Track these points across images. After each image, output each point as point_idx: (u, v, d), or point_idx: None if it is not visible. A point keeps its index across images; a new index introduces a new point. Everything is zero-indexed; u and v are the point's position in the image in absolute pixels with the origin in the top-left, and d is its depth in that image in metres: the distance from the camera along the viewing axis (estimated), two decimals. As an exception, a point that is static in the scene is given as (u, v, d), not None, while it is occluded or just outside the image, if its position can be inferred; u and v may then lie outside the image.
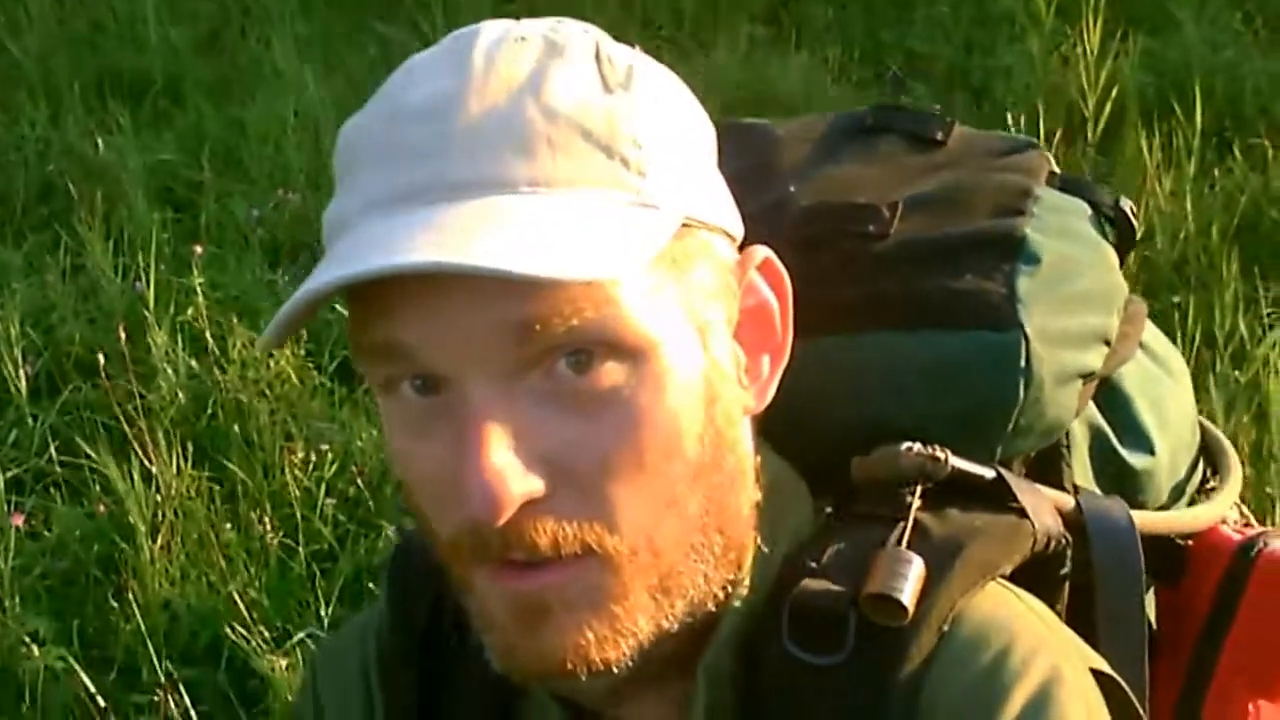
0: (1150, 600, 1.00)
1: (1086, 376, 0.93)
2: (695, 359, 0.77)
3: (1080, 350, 0.92)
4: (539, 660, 0.76)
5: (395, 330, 0.72)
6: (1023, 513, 0.85)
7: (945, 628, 0.79)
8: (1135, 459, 0.99)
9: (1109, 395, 0.99)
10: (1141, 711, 0.85)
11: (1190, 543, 1.01)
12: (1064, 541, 0.87)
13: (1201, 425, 1.11)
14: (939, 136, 1.00)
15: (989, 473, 0.87)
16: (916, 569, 0.78)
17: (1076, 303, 0.91)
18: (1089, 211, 0.99)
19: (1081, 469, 0.96)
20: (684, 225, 0.76)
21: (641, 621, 0.77)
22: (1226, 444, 1.11)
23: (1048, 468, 0.94)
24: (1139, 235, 1.02)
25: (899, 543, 0.80)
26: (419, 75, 0.76)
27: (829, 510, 0.86)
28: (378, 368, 0.75)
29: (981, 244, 0.90)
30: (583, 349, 0.73)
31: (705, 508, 0.78)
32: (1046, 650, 0.79)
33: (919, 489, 0.84)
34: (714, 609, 0.80)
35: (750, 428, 0.83)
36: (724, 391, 0.79)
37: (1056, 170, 1.00)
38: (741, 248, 0.84)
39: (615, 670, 0.77)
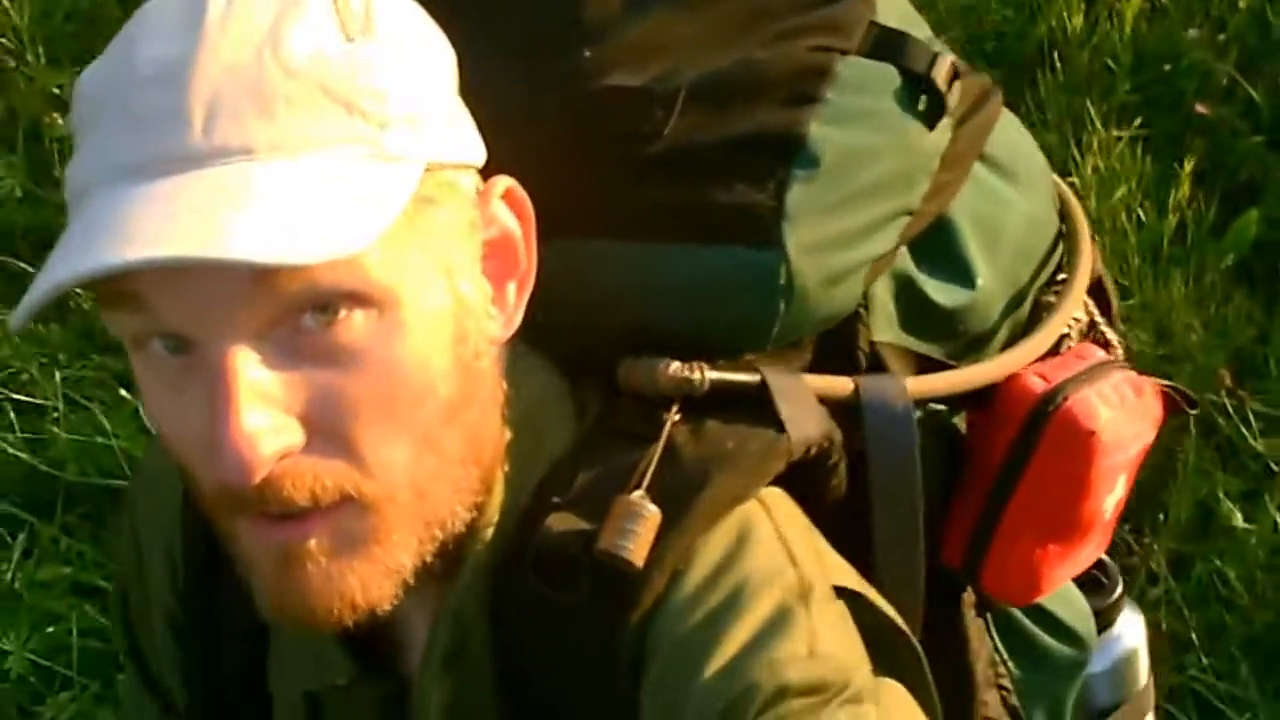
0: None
1: (878, 259, 0.94)
2: (441, 301, 0.78)
3: (863, 241, 0.92)
4: (305, 608, 0.78)
5: (141, 290, 0.72)
6: (781, 426, 0.87)
7: (680, 567, 0.82)
8: (949, 297, 0.99)
9: (930, 230, 0.98)
10: (902, 626, 0.88)
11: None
12: (828, 443, 0.90)
13: (1065, 206, 1.10)
14: None
15: (753, 378, 0.89)
16: (649, 521, 0.81)
17: (862, 197, 0.91)
18: (897, 82, 0.94)
19: (885, 322, 0.97)
20: (427, 170, 0.77)
21: (404, 559, 0.80)
22: (1081, 226, 1.10)
23: (842, 328, 0.95)
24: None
25: (639, 484, 0.83)
26: (155, 26, 0.74)
27: (591, 421, 0.88)
28: (125, 323, 0.75)
29: (757, 146, 0.89)
30: (327, 302, 0.73)
31: (461, 443, 0.81)
32: (779, 582, 0.82)
33: (676, 407, 0.87)
34: (464, 531, 0.83)
35: (500, 352, 0.85)
36: (472, 328, 0.81)
37: (875, 20, 0.96)
38: (530, 124, 0.88)
39: (381, 610, 0.79)
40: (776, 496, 0.88)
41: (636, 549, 0.80)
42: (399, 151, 0.75)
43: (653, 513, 0.81)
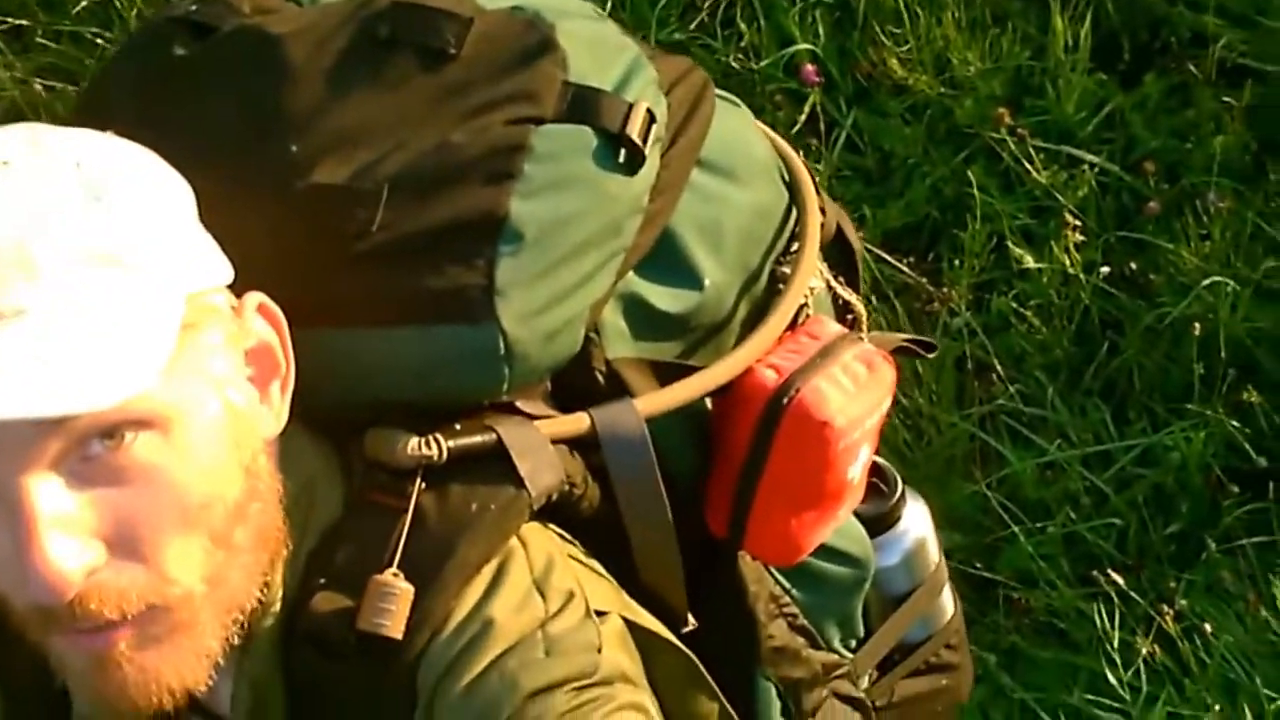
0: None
1: (596, 302, 0.99)
2: (216, 413, 0.85)
3: (578, 292, 0.97)
4: (125, 700, 0.86)
5: None
6: (521, 482, 0.94)
7: (436, 625, 0.90)
8: (677, 302, 1.04)
9: (653, 244, 1.03)
10: (666, 636, 0.99)
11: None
12: (568, 487, 0.97)
13: (792, 176, 1.15)
14: (450, 48, 0.98)
15: (489, 438, 0.94)
16: (402, 597, 0.89)
17: (570, 258, 0.96)
18: (593, 142, 0.97)
19: (618, 339, 1.02)
20: (193, 296, 0.85)
21: (210, 643, 0.87)
22: (808, 195, 1.14)
23: (578, 355, 1.00)
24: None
25: (391, 560, 0.90)
26: None
27: (354, 490, 0.95)
28: None
29: (462, 230, 0.93)
30: (112, 430, 0.80)
31: (250, 535, 0.88)
32: (526, 614, 0.91)
33: (419, 477, 0.93)
34: (256, 607, 0.91)
35: (273, 443, 0.92)
36: (246, 432, 0.88)
37: (569, 80, 0.98)
38: (246, 211, 0.93)
39: (198, 690, 0.88)
40: (534, 531, 0.96)
41: (393, 624, 0.89)
42: (161, 291, 0.82)
43: (404, 589, 0.89)
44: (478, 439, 0.94)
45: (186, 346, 0.83)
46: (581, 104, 0.98)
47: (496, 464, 0.94)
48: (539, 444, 0.96)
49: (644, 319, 1.03)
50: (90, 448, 0.80)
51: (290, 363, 0.92)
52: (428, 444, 0.92)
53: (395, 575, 0.89)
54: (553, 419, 0.98)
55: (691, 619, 1.07)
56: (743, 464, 1.07)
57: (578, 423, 0.99)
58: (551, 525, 0.98)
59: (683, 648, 1.00)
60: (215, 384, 0.86)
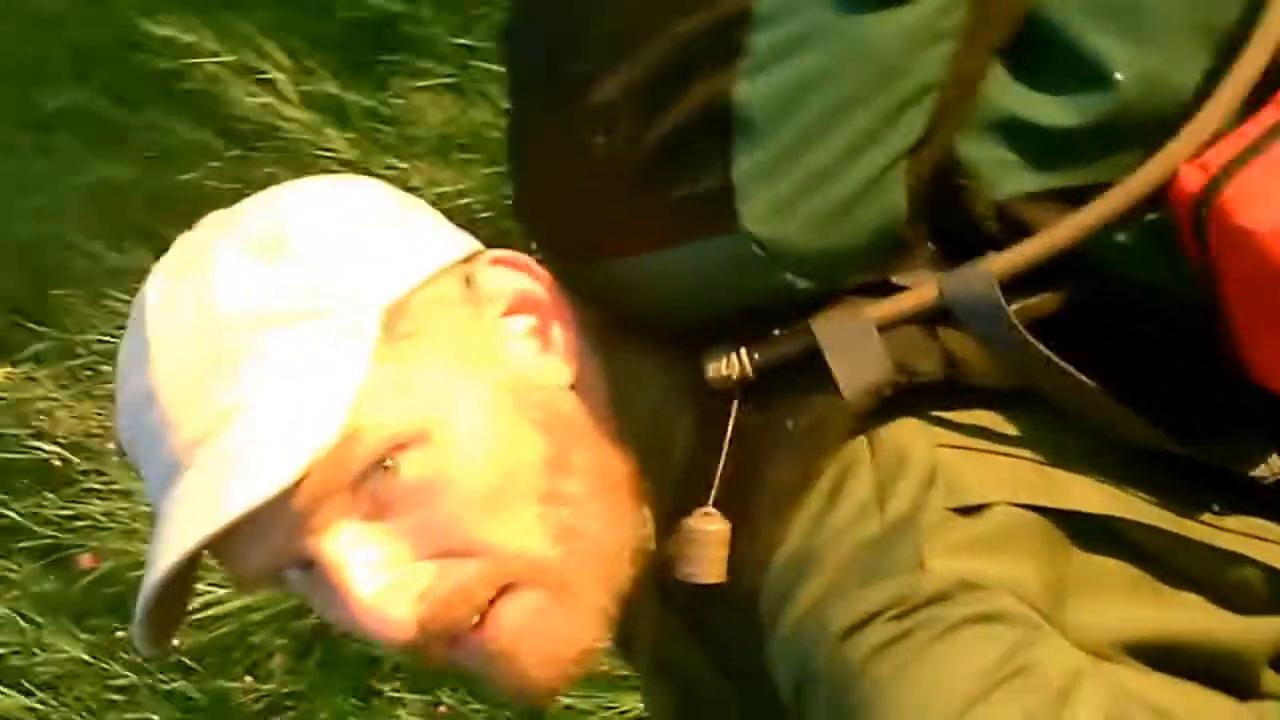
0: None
1: (907, 152, 0.83)
2: (476, 395, 0.85)
3: (864, 156, 0.83)
4: (542, 683, 0.86)
5: (234, 558, 0.84)
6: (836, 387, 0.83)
7: (768, 552, 0.81)
8: (1076, 114, 0.84)
9: (1025, 47, 0.85)
10: (1116, 515, 0.82)
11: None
12: (903, 378, 0.83)
13: None
14: None
15: (801, 343, 0.84)
16: (715, 537, 0.83)
17: (828, 125, 0.82)
18: None
19: (1010, 174, 0.85)
20: (397, 305, 0.84)
21: (596, 598, 0.85)
22: None
23: (953, 208, 0.85)
24: None
25: (708, 497, 0.83)
26: (125, 361, 0.85)
27: (699, 418, 0.87)
28: (255, 581, 0.86)
29: (695, 132, 0.84)
30: (374, 467, 0.81)
31: (585, 481, 0.86)
32: (853, 533, 0.80)
33: (734, 399, 0.84)
34: (643, 554, 0.87)
35: (593, 379, 0.88)
36: (525, 393, 0.86)
37: None
38: (546, 147, 0.89)
39: (604, 645, 0.87)
40: (893, 429, 0.83)
41: (705, 570, 0.83)
42: (353, 318, 0.82)
43: (715, 530, 0.83)
44: (791, 345, 0.84)
45: (409, 354, 0.83)
46: None
47: (814, 369, 0.83)
48: (861, 336, 0.83)
49: (1038, 143, 0.85)
50: (368, 487, 0.82)
51: (558, 298, 0.88)
52: (729, 362, 0.84)
53: (707, 515, 0.83)
54: (895, 297, 0.84)
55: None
56: (1203, 290, 0.85)
57: (922, 296, 0.84)
58: (940, 413, 0.84)
59: (1160, 521, 0.83)
60: (462, 369, 0.85)
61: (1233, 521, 0.86)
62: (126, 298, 0.89)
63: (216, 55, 2.68)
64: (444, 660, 0.86)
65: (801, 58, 0.82)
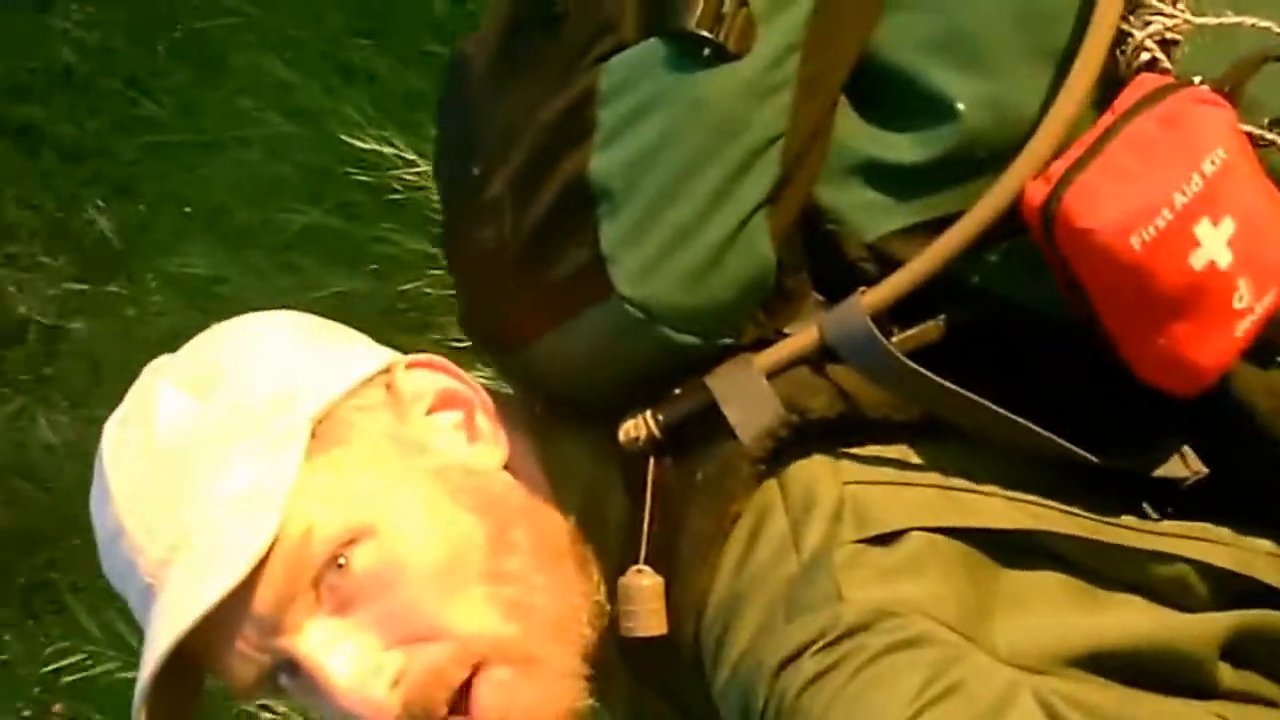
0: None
1: (764, 202, 0.86)
2: (413, 488, 0.91)
3: (720, 212, 0.86)
4: None
5: (232, 680, 0.92)
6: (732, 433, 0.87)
7: (700, 600, 0.86)
8: (928, 147, 0.87)
9: (869, 91, 0.88)
10: (1022, 528, 0.84)
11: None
12: (795, 417, 0.86)
13: None
14: (558, 7, 0.90)
15: (701, 397, 0.88)
16: (650, 590, 0.88)
17: (679, 185, 0.86)
18: (662, 52, 0.86)
19: (878, 214, 0.88)
20: (323, 415, 0.91)
21: (568, 663, 0.91)
22: None
23: (828, 253, 0.89)
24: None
25: (637, 555, 0.89)
26: (95, 510, 0.94)
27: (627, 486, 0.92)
28: (247, 691, 0.93)
29: (563, 209, 0.88)
30: (328, 564, 0.88)
31: (527, 557, 0.91)
32: (777, 573, 0.84)
33: (649, 459, 0.89)
34: (599, 617, 0.92)
35: (525, 461, 0.94)
36: (459, 478, 0.92)
37: None
38: (462, 247, 0.96)
39: (597, 700, 0.92)
40: (799, 468, 0.86)
41: (644, 623, 0.88)
42: (278, 435, 0.89)
43: (649, 584, 0.88)
44: (690, 402, 0.89)
45: (342, 459, 0.90)
46: (655, 10, 0.86)
47: (716, 421, 0.88)
48: (750, 384, 0.87)
49: (896, 181, 0.88)
50: (326, 584, 0.88)
51: (476, 389, 0.95)
52: (638, 425, 0.89)
53: (640, 571, 0.88)
54: (779, 344, 0.88)
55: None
56: (1074, 300, 0.88)
57: (804, 338, 0.88)
58: (847, 450, 0.87)
59: (1091, 532, 0.85)
60: (396, 467, 0.91)
61: (1166, 525, 0.88)
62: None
63: (415, 165, 2.72)
64: None
65: (646, 124, 0.86)
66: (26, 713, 5.52)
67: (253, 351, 0.93)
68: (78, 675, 4.49)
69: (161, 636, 0.86)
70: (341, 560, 0.88)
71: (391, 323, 3.10)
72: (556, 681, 0.90)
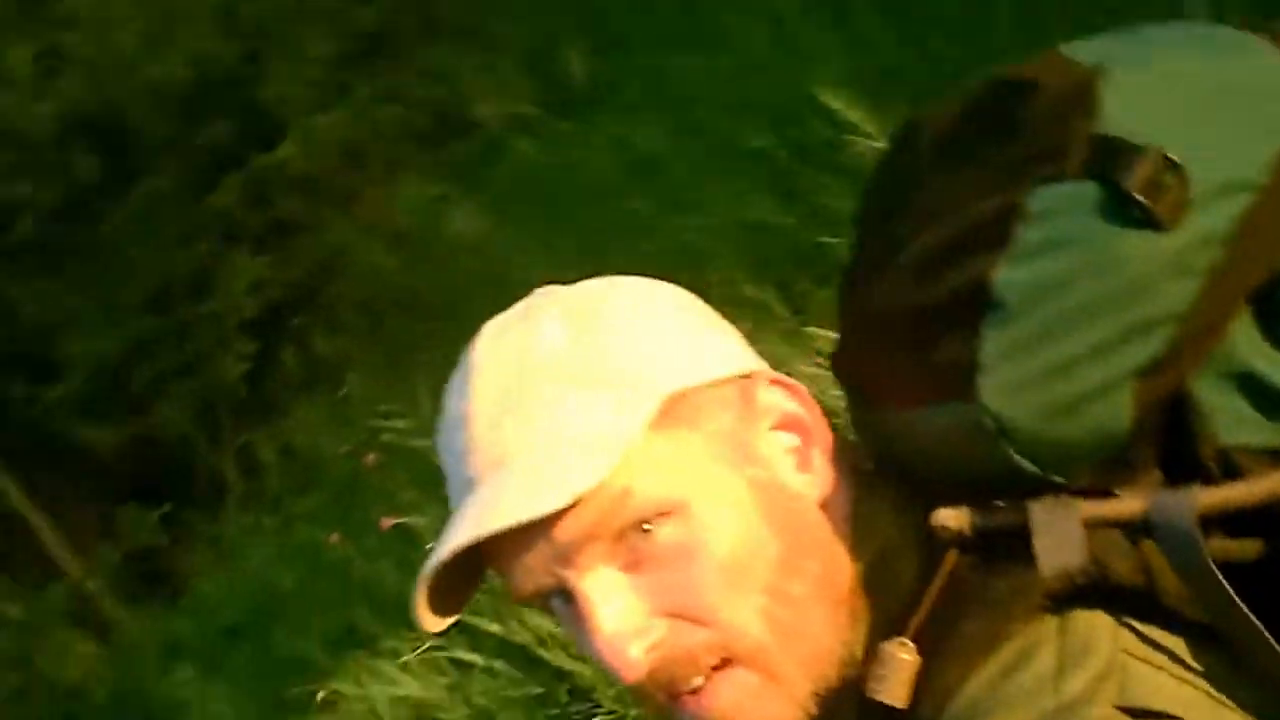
0: None
1: (1138, 371, 0.89)
2: (733, 487, 0.96)
3: (1092, 364, 0.89)
4: None
5: (519, 590, 0.98)
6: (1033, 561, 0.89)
7: (944, 699, 0.90)
8: None
9: (1275, 308, 0.91)
10: None
11: None
12: (1098, 571, 0.89)
13: None
14: (1009, 117, 0.95)
15: (1017, 516, 0.91)
16: (906, 665, 0.92)
17: (1070, 325, 0.89)
18: (1097, 197, 0.89)
19: (1240, 424, 0.91)
20: (678, 395, 0.96)
21: (802, 692, 0.95)
22: None
23: (1183, 440, 0.91)
24: (1165, 204, 0.88)
25: (903, 630, 0.93)
26: (449, 393, 1.00)
27: (922, 563, 0.96)
28: (528, 598, 0.99)
29: (955, 304, 0.92)
30: (636, 524, 0.94)
31: (810, 586, 0.96)
32: (1030, 702, 0.86)
33: (951, 550, 0.93)
34: (847, 657, 0.96)
35: (838, 505, 0.99)
36: (777, 496, 0.97)
37: (1099, 133, 0.90)
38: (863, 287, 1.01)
39: None
40: (1082, 619, 0.90)
41: (891, 692, 0.92)
42: (636, 397, 0.95)
43: (907, 660, 0.92)
44: (1007, 517, 0.92)
45: (681, 440, 0.95)
46: (1105, 158, 0.90)
47: (1020, 543, 0.91)
48: (1067, 524, 0.90)
49: (1271, 401, 0.91)
50: (628, 542, 0.94)
51: (822, 428, 1.00)
52: (954, 519, 0.93)
53: (902, 644, 0.92)
54: (1104, 501, 0.91)
55: None
56: None
57: (1129, 506, 0.90)
58: (1132, 621, 0.90)
59: None
60: (725, 463, 0.96)
61: None
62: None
63: (871, 138, 2.83)
64: (663, 712, 0.97)
65: (1060, 257, 0.89)
66: (346, 447, 6.05)
67: (635, 312, 0.99)
68: (394, 437, 4.96)
69: (467, 528, 0.93)
70: (648, 526, 0.93)
71: (799, 267, 3.22)
72: (789, 705, 0.95)
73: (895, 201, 1.00)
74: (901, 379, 0.97)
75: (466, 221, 6.66)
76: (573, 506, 0.91)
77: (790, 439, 0.99)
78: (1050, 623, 0.90)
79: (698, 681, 0.94)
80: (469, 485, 0.96)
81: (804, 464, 0.99)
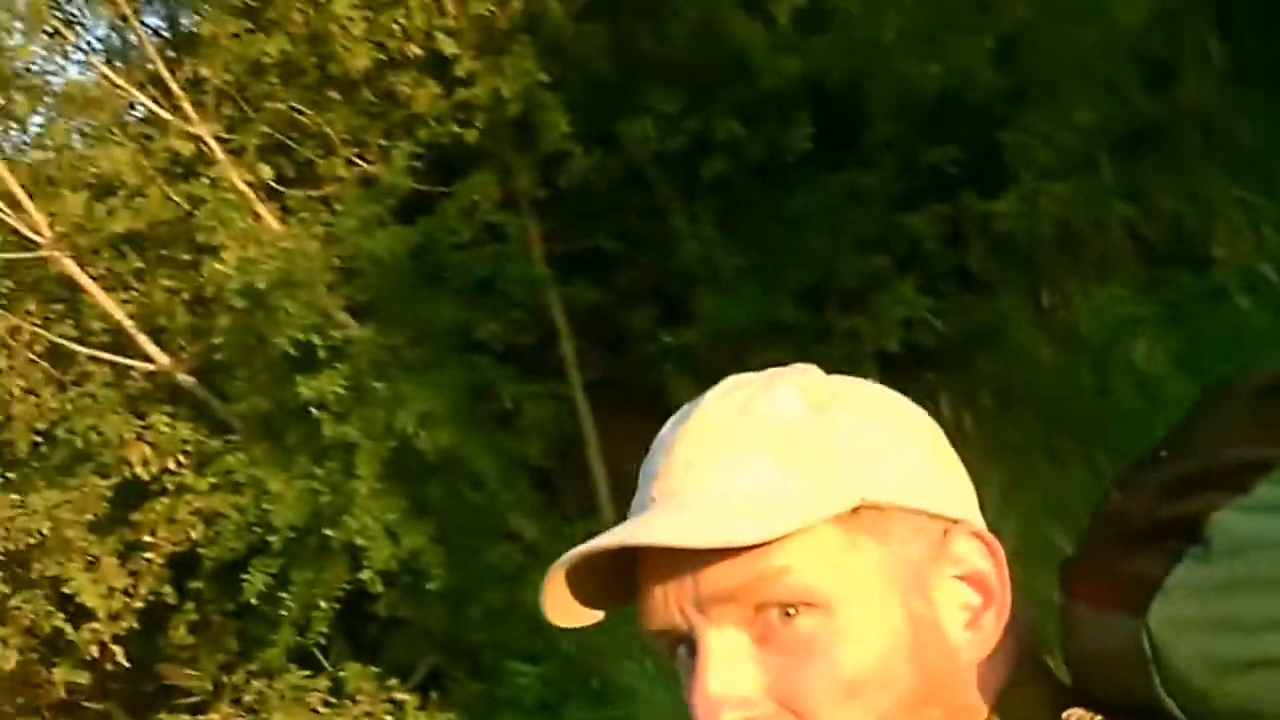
0: None
1: None
2: (891, 614, 0.97)
3: (1268, 634, 0.89)
4: None
5: (650, 621, 1.01)
6: None
7: None
8: None
9: None
10: None
11: None
12: None
13: None
14: None
15: None
16: None
17: (1265, 585, 0.89)
18: None
19: None
20: (878, 505, 0.98)
21: None
22: None
23: None
24: None
25: None
26: (673, 418, 1.05)
27: None
28: (660, 641, 1.02)
29: (1169, 526, 0.94)
30: (784, 606, 0.96)
31: None
32: None
33: None
34: None
35: (990, 675, 1.00)
36: (931, 640, 0.98)
37: None
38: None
39: None
40: None
41: None
42: (829, 489, 0.98)
43: None
44: None
45: (864, 548, 0.97)
46: None
47: None
48: None
49: None
50: (768, 617, 0.97)
51: (1005, 597, 1.00)
52: (1082, 719, 0.96)
53: None
54: None
55: None
56: None
57: None
58: None
59: None
60: (896, 589, 0.97)
61: None
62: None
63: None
64: None
65: (1272, 518, 0.91)
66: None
67: (874, 413, 1.02)
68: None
69: (617, 536, 0.97)
70: (791, 611, 0.96)
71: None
72: None
73: (1177, 428, 1.03)
74: (1097, 576, 0.98)
75: (1147, 357, 6.02)
76: (725, 556, 0.95)
77: (971, 595, 1.00)
78: None
79: None
80: (644, 506, 1.01)
81: (973, 624, 1.00)
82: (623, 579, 1.00)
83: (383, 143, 8.35)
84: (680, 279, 8.28)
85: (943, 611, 0.98)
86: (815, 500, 0.95)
